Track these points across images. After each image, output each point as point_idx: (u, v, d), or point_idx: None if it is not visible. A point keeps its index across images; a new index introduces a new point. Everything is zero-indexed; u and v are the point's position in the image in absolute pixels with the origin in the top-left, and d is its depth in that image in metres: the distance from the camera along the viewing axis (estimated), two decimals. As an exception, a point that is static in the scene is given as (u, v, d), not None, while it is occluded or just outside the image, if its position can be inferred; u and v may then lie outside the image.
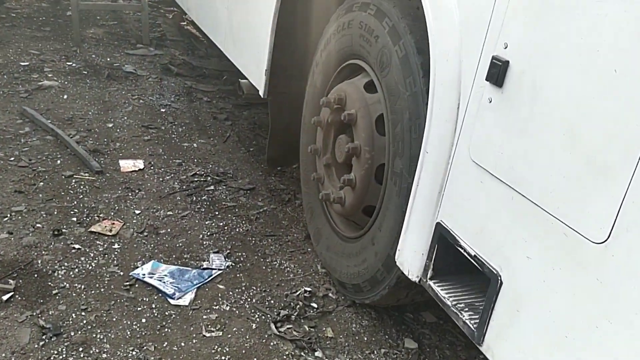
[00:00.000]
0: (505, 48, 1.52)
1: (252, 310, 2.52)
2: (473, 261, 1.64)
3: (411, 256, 1.91)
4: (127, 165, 3.57)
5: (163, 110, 4.47)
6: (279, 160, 3.62)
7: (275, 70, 3.16)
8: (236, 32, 3.69)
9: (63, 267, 2.60)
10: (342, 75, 2.73)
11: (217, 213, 3.23)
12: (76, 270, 2.60)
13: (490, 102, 1.57)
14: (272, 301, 2.60)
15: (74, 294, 2.45)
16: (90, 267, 2.63)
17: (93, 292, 2.48)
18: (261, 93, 3.21)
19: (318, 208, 2.93)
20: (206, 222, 3.12)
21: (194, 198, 3.35)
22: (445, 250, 1.79)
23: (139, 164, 3.61)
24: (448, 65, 1.73)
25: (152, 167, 3.60)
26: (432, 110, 1.78)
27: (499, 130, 1.55)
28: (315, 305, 2.61)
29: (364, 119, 2.41)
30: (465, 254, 1.67)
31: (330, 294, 2.70)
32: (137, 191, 3.31)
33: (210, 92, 5.06)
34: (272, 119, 3.37)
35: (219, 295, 2.59)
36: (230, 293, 2.61)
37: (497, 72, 1.53)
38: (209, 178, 3.59)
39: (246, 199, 3.42)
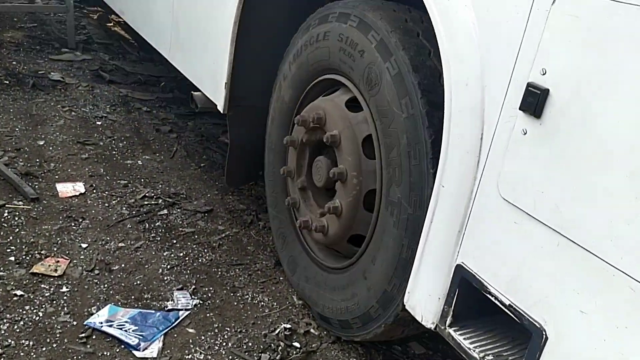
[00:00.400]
0: (544, 74, 1.35)
1: (230, 357, 2.26)
2: (508, 311, 1.47)
3: (425, 300, 1.73)
4: (66, 189, 3.18)
5: (99, 123, 4.06)
6: (239, 178, 3.34)
7: (234, 82, 2.89)
8: (185, 40, 3.37)
9: (5, 320, 2.23)
10: (316, 90, 2.51)
11: (174, 241, 2.92)
12: (21, 322, 2.23)
13: (525, 133, 1.40)
14: (250, 343, 2.34)
15: (22, 354, 2.10)
16: (38, 318, 2.27)
17: (44, 349, 2.13)
18: (220, 108, 2.92)
19: (291, 234, 2.69)
20: (164, 253, 2.81)
21: (147, 225, 3.02)
22: (468, 295, 1.62)
23: (80, 187, 3.23)
24: (468, 90, 1.54)
25: (94, 191, 3.23)
26: (449, 139, 1.60)
27: (537, 166, 1.38)
28: (297, 344, 2.38)
29: (349, 141, 2.20)
30: (497, 302, 1.50)
31: (312, 330, 2.48)
32: (80, 220, 2.94)
33: (149, 100, 4.68)
34: (231, 134, 3.09)
35: (190, 341, 2.31)
36: (203, 337, 2.34)
37: (535, 102, 1.36)
38: (161, 200, 3.26)
39: (205, 223, 3.13)
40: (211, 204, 3.32)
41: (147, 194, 3.29)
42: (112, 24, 6.48)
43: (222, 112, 2.92)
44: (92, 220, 2.96)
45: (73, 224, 2.90)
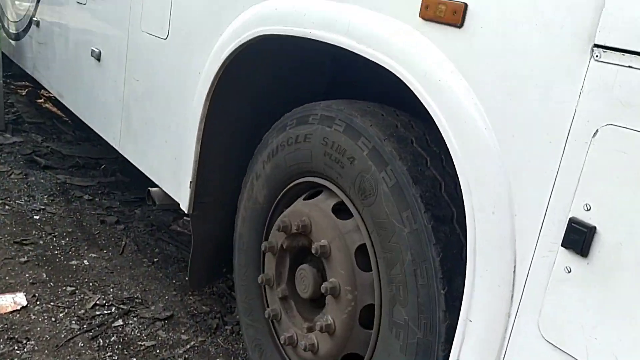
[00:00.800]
0: (588, 210, 1.25)
1: None
2: None
3: None
4: (5, 302, 2.82)
5: (37, 217, 3.71)
6: (203, 279, 3.09)
7: (199, 180, 2.68)
8: (139, 132, 3.15)
9: None
10: (294, 192, 2.35)
11: None
12: None
13: (570, 272, 1.29)
14: None
15: None
16: None
17: None
18: (185, 208, 2.70)
19: (270, 347, 2.45)
20: (125, 376, 2.50)
21: (101, 342, 2.69)
22: None
23: (20, 299, 2.87)
24: (495, 219, 1.43)
25: (38, 302, 2.88)
26: (475, 270, 1.47)
27: (587, 309, 1.26)
28: None
29: (341, 252, 2.04)
30: None
31: None
32: (24, 342, 2.58)
33: (90, 187, 4.36)
34: (194, 233, 2.85)
35: None
36: None
37: (581, 240, 1.25)
38: (114, 309, 2.95)
39: (166, 333, 2.84)
40: (170, 309, 3.03)
41: (97, 302, 2.97)
42: (42, 100, 6.14)
43: (186, 212, 2.70)
44: (39, 341, 2.61)
45: (16, 348, 2.54)
